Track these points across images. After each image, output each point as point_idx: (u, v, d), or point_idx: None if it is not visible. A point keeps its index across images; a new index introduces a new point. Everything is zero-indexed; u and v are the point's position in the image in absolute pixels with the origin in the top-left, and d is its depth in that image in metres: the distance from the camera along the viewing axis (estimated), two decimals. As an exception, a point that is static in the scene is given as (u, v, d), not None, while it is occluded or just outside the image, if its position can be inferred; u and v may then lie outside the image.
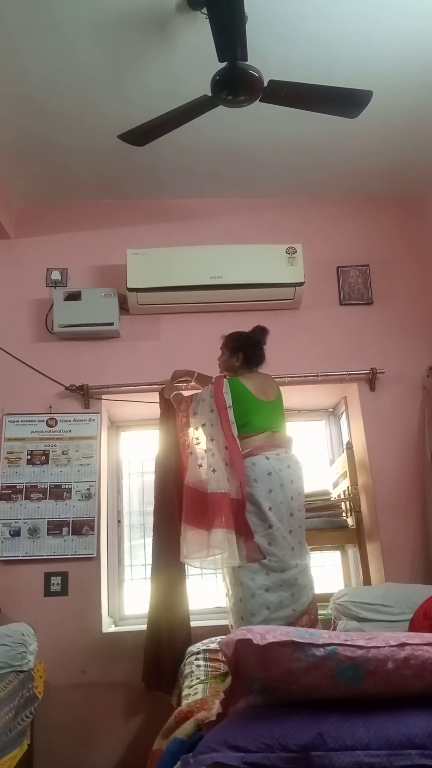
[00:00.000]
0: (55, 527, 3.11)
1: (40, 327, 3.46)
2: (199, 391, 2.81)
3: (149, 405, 3.31)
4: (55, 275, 3.54)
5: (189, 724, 1.69)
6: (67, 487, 3.18)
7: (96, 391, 3.32)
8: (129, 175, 3.46)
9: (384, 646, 1.10)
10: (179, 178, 3.51)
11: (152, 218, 3.67)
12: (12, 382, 3.35)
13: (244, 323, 2.90)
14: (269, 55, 2.55)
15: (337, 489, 3.49)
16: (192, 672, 2.36)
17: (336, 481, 3.55)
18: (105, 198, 3.67)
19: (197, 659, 2.49)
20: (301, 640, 1.11)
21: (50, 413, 3.30)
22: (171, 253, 3.36)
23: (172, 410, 2.90)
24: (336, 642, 1.11)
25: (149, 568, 2.96)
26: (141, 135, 2.59)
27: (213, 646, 2.55)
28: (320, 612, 2.65)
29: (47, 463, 3.22)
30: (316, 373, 3.32)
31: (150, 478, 3.56)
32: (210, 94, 2.33)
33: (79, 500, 3.16)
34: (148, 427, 3.65)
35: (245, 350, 2.77)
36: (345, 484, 3.36)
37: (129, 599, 3.38)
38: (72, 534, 3.10)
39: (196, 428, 2.65)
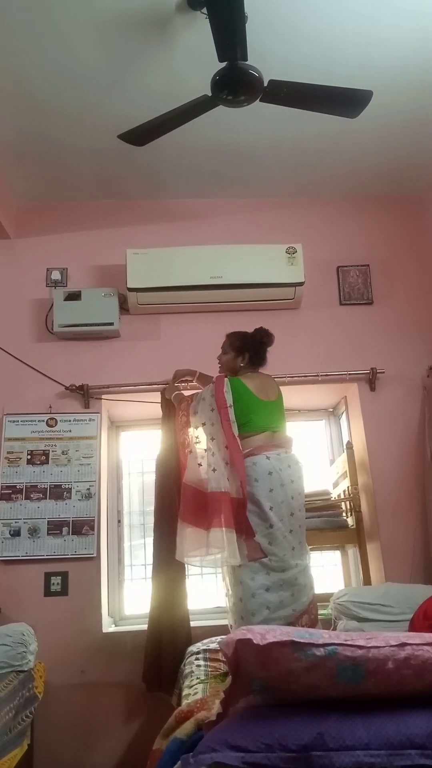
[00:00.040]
0: (55, 527, 3.11)
1: (40, 327, 3.46)
2: (200, 390, 2.81)
3: (149, 405, 3.31)
4: (55, 275, 3.54)
5: (189, 723, 1.69)
6: (67, 487, 3.18)
7: (96, 391, 3.33)
8: (129, 175, 3.46)
9: (384, 646, 1.10)
10: (179, 178, 3.51)
11: (152, 218, 3.67)
12: (12, 382, 3.35)
13: (244, 323, 2.90)
14: (269, 55, 2.55)
15: (337, 489, 3.49)
16: (192, 672, 2.36)
17: (336, 481, 3.55)
18: (105, 198, 3.67)
19: (197, 659, 2.49)
20: (301, 640, 1.11)
21: (50, 413, 3.30)
22: (171, 253, 3.36)
23: (174, 410, 2.90)
24: (336, 642, 1.11)
25: (149, 568, 2.96)
26: (141, 135, 2.59)
27: (213, 646, 2.55)
28: (320, 612, 2.65)
29: (47, 463, 3.22)
30: (316, 373, 3.32)
31: (150, 478, 3.56)
32: (210, 94, 2.33)
33: (79, 500, 3.16)
34: (148, 427, 3.65)
35: (251, 351, 2.77)
36: (345, 484, 3.36)
37: (129, 599, 3.38)
38: (72, 534, 3.10)
39: (197, 427, 2.65)
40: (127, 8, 2.39)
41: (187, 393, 2.92)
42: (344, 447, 3.43)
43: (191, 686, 2.19)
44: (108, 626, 3.11)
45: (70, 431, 3.27)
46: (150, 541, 3.26)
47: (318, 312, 3.53)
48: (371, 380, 3.38)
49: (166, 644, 2.75)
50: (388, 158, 3.38)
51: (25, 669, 2.54)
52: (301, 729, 1.06)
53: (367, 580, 3.11)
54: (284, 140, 3.21)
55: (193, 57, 2.58)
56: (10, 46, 2.53)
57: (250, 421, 2.58)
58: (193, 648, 2.63)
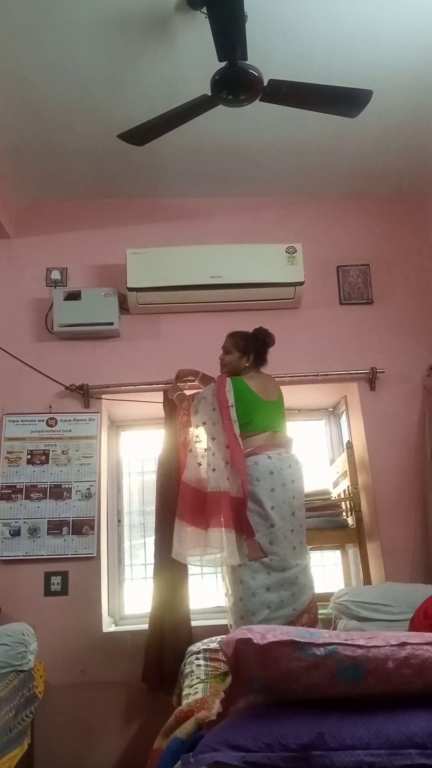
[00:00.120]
0: (55, 527, 3.11)
1: (40, 327, 3.46)
2: (201, 390, 2.81)
3: (149, 404, 3.31)
4: (55, 275, 3.54)
5: (189, 723, 1.69)
6: (67, 486, 3.18)
7: (96, 390, 3.32)
8: (129, 175, 3.46)
9: (384, 646, 1.10)
10: (179, 178, 3.50)
11: (152, 218, 3.67)
12: (12, 381, 3.35)
13: (244, 323, 2.90)
14: (269, 54, 2.55)
15: (338, 488, 3.49)
16: (192, 671, 2.37)
17: (336, 481, 3.55)
18: (105, 197, 3.66)
19: (197, 659, 2.49)
20: (302, 640, 1.11)
21: (50, 413, 3.30)
22: (171, 253, 3.36)
23: (176, 410, 2.90)
24: (336, 641, 1.11)
25: (149, 567, 2.96)
26: (141, 134, 2.59)
27: (213, 645, 2.55)
28: (320, 611, 2.65)
29: (47, 462, 3.22)
30: (316, 373, 3.32)
31: (150, 478, 3.57)
32: (210, 94, 2.32)
33: (79, 500, 3.16)
34: (148, 427, 3.65)
35: (256, 351, 2.78)
36: (345, 483, 3.36)
37: (129, 599, 3.38)
38: (72, 533, 3.10)
39: (197, 426, 2.65)
40: (126, 8, 2.39)
41: (188, 393, 2.92)
42: (344, 446, 3.43)
43: (191, 686, 2.19)
44: (108, 626, 3.10)
45: (70, 431, 3.27)
46: (150, 540, 3.26)
47: (318, 312, 3.53)
48: (371, 380, 3.38)
49: (167, 644, 2.75)
50: (388, 158, 3.38)
51: (25, 669, 2.54)
52: (301, 728, 1.06)
53: (367, 580, 3.11)
54: (284, 140, 3.21)
55: (192, 56, 2.58)
56: (10, 46, 2.53)
57: (252, 421, 2.58)
58: (193, 648, 2.63)
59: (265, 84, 2.28)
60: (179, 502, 2.51)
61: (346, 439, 3.58)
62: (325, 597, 2.87)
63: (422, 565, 3.10)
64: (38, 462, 3.21)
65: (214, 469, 2.48)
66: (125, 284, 3.29)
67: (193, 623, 2.88)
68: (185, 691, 2.18)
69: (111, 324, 3.35)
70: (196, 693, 2.09)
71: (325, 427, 3.84)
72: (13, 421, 3.27)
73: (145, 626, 2.86)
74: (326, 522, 3.18)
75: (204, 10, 2.23)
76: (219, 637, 2.45)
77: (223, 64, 2.21)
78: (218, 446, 2.52)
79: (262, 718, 1.13)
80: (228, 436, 2.48)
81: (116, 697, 2.92)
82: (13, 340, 3.41)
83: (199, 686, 2.16)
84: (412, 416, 3.35)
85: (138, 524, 3.56)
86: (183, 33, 2.50)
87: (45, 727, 2.77)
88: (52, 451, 3.24)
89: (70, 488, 3.18)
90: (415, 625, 2.32)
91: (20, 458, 3.21)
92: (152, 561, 2.94)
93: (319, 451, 3.78)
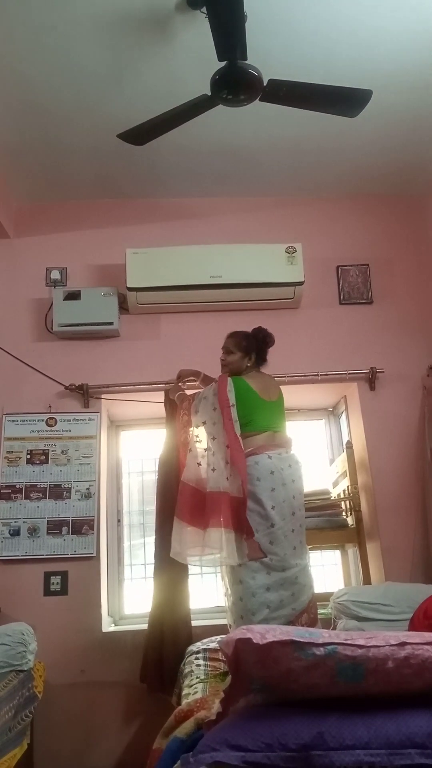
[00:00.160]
0: (55, 527, 3.11)
1: (40, 326, 3.46)
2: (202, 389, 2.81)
3: (149, 404, 3.31)
4: (55, 274, 3.54)
5: (189, 723, 1.69)
6: (66, 486, 3.18)
7: (95, 390, 3.32)
8: (128, 175, 3.46)
9: (384, 645, 1.10)
10: (179, 178, 3.50)
11: (152, 217, 3.67)
12: (11, 381, 3.35)
13: (244, 323, 2.90)
14: (269, 54, 2.55)
15: (337, 488, 3.49)
16: (192, 671, 2.37)
17: (336, 481, 3.55)
18: (104, 197, 3.66)
19: (197, 658, 2.49)
20: (301, 640, 1.11)
21: (50, 413, 3.30)
22: (170, 253, 3.36)
23: (177, 410, 2.90)
24: (336, 641, 1.11)
25: (149, 567, 2.96)
26: (140, 134, 2.59)
27: (213, 645, 2.55)
28: (320, 611, 2.65)
29: (47, 462, 3.22)
30: (315, 373, 3.32)
31: (150, 478, 3.57)
32: (209, 94, 2.32)
33: (78, 500, 3.16)
34: (148, 427, 3.65)
35: (257, 351, 2.78)
36: (345, 483, 3.36)
37: (129, 598, 3.38)
38: (72, 533, 3.10)
39: (197, 426, 2.65)
40: (126, 8, 2.39)
41: (189, 393, 2.92)
42: (344, 446, 3.43)
43: (191, 686, 2.19)
44: (108, 626, 3.11)
45: (70, 431, 3.27)
46: (149, 540, 3.26)
47: (318, 311, 3.53)
48: (371, 380, 3.38)
49: (167, 644, 2.75)
50: (388, 157, 3.38)
51: (25, 668, 2.54)
52: (301, 728, 1.06)
53: (366, 580, 3.11)
54: (283, 140, 3.21)
55: (192, 56, 2.58)
56: (10, 45, 2.53)
57: (253, 421, 2.58)
58: (193, 647, 2.63)
59: (265, 84, 2.28)
60: (178, 501, 2.51)
61: (345, 438, 3.58)
62: (325, 597, 2.87)
63: (422, 565, 3.10)
64: (38, 462, 3.21)
65: (213, 469, 2.48)
66: (125, 284, 3.29)
67: (193, 623, 2.87)
68: (185, 691, 2.18)
69: (111, 324, 3.35)
70: (195, 693, 2.09)
71: (324, 426, 3.84)
72: (13, 421, 3.27)
73: (145, 626, 2.86)
74: (326, 522, 3.18)
75: (204, 9, 2.22)
76: (218, 637, 2.45)
77: (223, 63, 2.21)
78: (218, 446, 2.52)
79: (261, 717, 1.13)
80: (228, 436, 2.48)
81: (116, 697, 2.92)
82: (12, 340, 3.41)
83: (198, 686, 2.16)
84: (412, 416, 3.35)
85: (137, 524, 3.56)
86: (183, 33, 2.50)
87: (45, 727, 2.77)
88: (52, 450, 3.24)
89: (70, 488, 3.18)
90: (414, 625, 2.32)
91: (20, 458, 3.21)
92: (152, 561, 2.93)
93: (318, 450, 3.78)
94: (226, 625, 2.53)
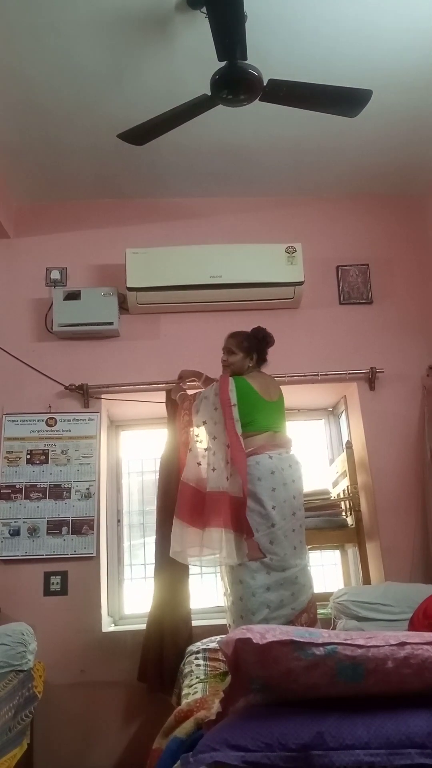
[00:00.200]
0: (55, 527, 3.11)
1: (40, 326, 3.46)
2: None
3: (149, 404, 3.31)
4: (55, 274, 3.54)
5: (189, 723, 1.70)
6: (66, 486, 3.18)
7: (95, 390, 3.32)
8: (128, 175, 3.46)
9: (384, 645, 1.10)
10: (179, 177, 3.50)
11: (152, 217, 3.67)
12: (11, 381, 3.35)
13: (244, 323, 2.90)
14: (269, 54, 2.55)
15: (337, 488, 3.49)
16: (192, 671, 2.37)
17: (336, 481, 3.55)
18: (104, 197, 3.66)
19: (197, 658, 2.49)
20: (301, 639, 1.11)
21: (50, 413, 3.29)
22: (170, 253, 3.36)
23: (178, 410, 2.90)
24: (336, 641, 1.11)
25: (149, 567, 2.96)
26: (141, 134, 2.59)
27: (212, 645, 2.55)
28: (320, 611, 2.65)
29: (47, 462, 3.22)
30: (315, 373, 3.32)
31: (149, 478, 3.57)
32: (209, 94, 2.32)
33: (78, 500, 3.16)
34: (148, 427, 3.65)
35: (259, 351, 2.78)
36: (345, 483, 3.36)
37: (128, 598, 3.38)
38: (71, 533, 3.10)
39: (198, 426, 2.66)
40: (126, 8, 2.39)
41: (191, 393, 2.92)
42: (344, 446, 3.43)
43: (191, 686, 2.19)
44: (107, 626, 3.11)
45: (70, 431, 3.27)
46: (149, 540, 3.26)
47: (317, 311, 3.53)
48: (371, 379, 3.38)
49: (168, 643, 2.75)
50: (388, 157, 3.38)
51: (25, 668, 2.54)
52: (301, 728, 1.06)
53: (366, 580, 3.11)
54: (283, 139, 3.21)
55: (192, 56, 2.58)
56: (10, 46, 2.53)
57: (254, 421, 2.58)
58: (193, 647, 2.63)
59: (265, 84, 2.28)
60: (178, 501, 2.52)
61: (345, 438, 3.59)
62: (325, 597, 2.87)
63: (422, 564, 3.10)
64: (38, 462, 3.21)
65: (213, 469, 2.48)
66: (125, 284, 3.29)
67: (193, 623, 2.88)
68: (185, 691, 2.18)
69: (111, 324, 3.35)
70: (195, 693, 2.09)
71: (324, 426, 3.84)
72: (13, 421, 3.27)
73: (145, 626, 2.86)
74: (326, 522, 3.18)
75: (204, 9, 2.22)
76: (218, 637, 2.45)
77: (223, 63, 2.21)
78: (219, 446, 2.52)
79: (261, 717, 1.13)
80: (230, 435, 2.48)
81: (116, 697, 2.92)
82: (12, 340, 3.41)
83: (198, 686, 2.16)
84: (412, 416, 3.35)
85: (137, 524, 3.57)
86: (183, 32, 2.50)
87: (44, 727, 2.77)
88: (52, 450, 3.24)
89: (70, 488, 3.18)
90: (414, 625, 2.32)
91: (20, 458, 3.21)
92: (152, 561, 2.94)
93: (318, 450, 3.78)
94: (225, 625, 2.53)
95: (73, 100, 2.86)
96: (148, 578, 3.29)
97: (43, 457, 3.22)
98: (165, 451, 3.01)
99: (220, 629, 2.70)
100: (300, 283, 3.34)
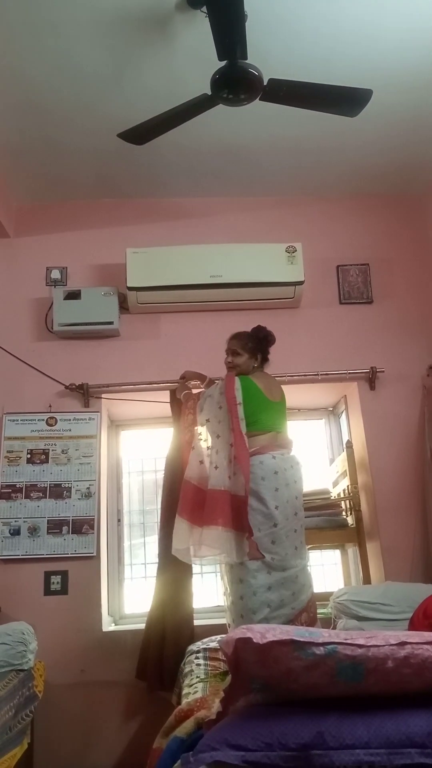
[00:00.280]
0: (55, 526, 3.11)
1: (40, 326, 3.46)
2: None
3: (149, 404, 3.31)
4: (55, 274, 3.54)
5: (189, 722, 1.70)
6: (67, 486, 3.18)
7: (96, 390, 3.32)
8: (129, 174, 3.46)
9: (384, 645, 1.10)
10: (179, 177, 3.50)
11: (152, 217, 3.67)
12: (12, 381, 3.35)
13: (244, 322, 2.90)
14: (269, 53, 2.55)
15: (337, 488, 3.49)
16: (192, 671, 2.37)
17: (336, 480, 3.55)
18: (104, 197, 3.66)
19: (197, 658, 2.49)
20: (301, 639, 1.11)
21: (50, 412, 3.30)
22: (171, 252, 3.36)
23: (183, 409, 2.90)
24: (336, 641, 1.11)
25: (149, 567, 2.95)
26: (141, 134, 2.59)
27: (213, 644, 2.56)
28: (320, 611, 2.65)
29: (47, 462, 3.22)
30: (316, 372, 3.32)
31: (150, 477, 3.58)
32: (210, 93, 2.32)
33: (79, 499, 3.16)
34: (148, 426, 3.65)
35: (262, 351, 2.78)
36: (345, 483, 3.36)
37: (129, 598, 3.38)
38: (72, 533, 3.10)
39: (202, 424, 2.66)
40: (126, 7, 2.39)
41: (196, 392, 2.91)
42: (344, 446, 3.43)
43: (191, 685, 2.19)
44: (108, 625, 3.11)
45: (70, 430, 3.27)
46: (150, 540, 3.26)
47: (318, 311, 3.53)
48: (371, 379, 3.38)
49: (169, 642, 2.75)
50: (388, 157, 3.38)
51: (25, 668, 2.54)
52: (301, 728, 1.06)
53: (366, 579, 3.11)
54: (284, 139, 3.20)
55: (192, 56, 2.58)
56: (10, 46, 2.53)
57: (258, 421, 2.58)
58: (193, 647, 2.64)
59: (265, 83, 2.28)
60: (180, 499, 2.52)
61: (345, 438, 3.58)
62: (325, 596, 2.87)
63: (422, 564, 3.10)
64: (38, 461, 3.21)
65: (216, 467, 2.48)
66: (125, 284, 3.29)
67: (194, 622, 2.88)
68: (185, 691, 2.18)
69: (111, 323, 3.35)
70: (195, 692, 2.09)
71: (324, 426, 3.84)
72: (13, 421, 3.27)
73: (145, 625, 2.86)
74: (326, 521, 3.18)
75: (204, 9, 2.23)
76: (219, 637, 2.46)
77: (223, 63, 2.21)
78: (222, 444, 2.52)
79: (261, 717, 1.13)
80: (235, 434, 2.48)
81: (116, 697, 2.92)
82: (13, 340, 3.41)
83: (198, 685, 2.16)
84: (412, 416, 3.35)
85: (138, 523, 3.57)
86: (183, 32, 2.50)
87: (45, 727, 2.77)
88: (52, 450, 3.24)
89: (70, 487, 3.18)
90: (414, 625, 2.32)
91: (20, 457, 3.21)
92: (152, 560, 2.94)
93: (318, 450, 3.78)
94: (225, 624, 2.53)
95: (73, 100, 2.86)
96: (149, 578, 3.30)
97: (43, 457, 3.22)
98: (170, 450, 3.01)
99: (220, 629, 2.70)
100: (300, 283, 3.34)
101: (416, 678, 1.09)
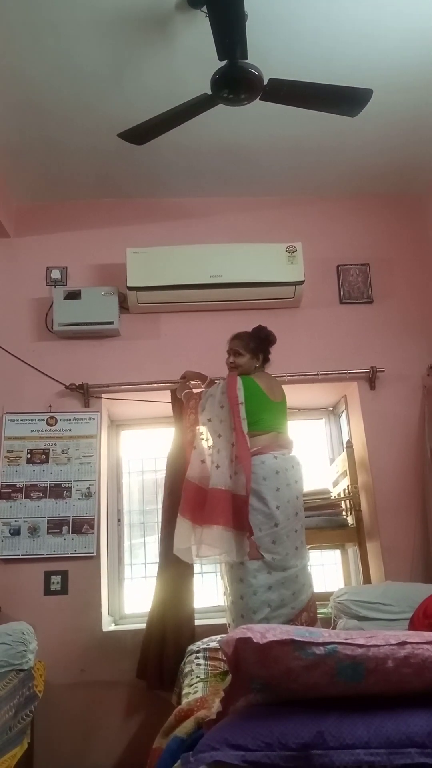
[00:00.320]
0: (55, 526, 3.11)
1: (40, 326, 3.46)
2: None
3: (149, 404, 3.31)
4: (55, 274, 3.54)
5: (189, 722, 1.70)
6: (67, 485, 3.18)
7: (96, 389, 3.32)
8: (129, 174, 3.46)
9: (384, 645, 1.10)
10: (179, 177, 3.50)
11: (152, 217, 3.67)
12: (12, 380, 3.35)
13: (244, 322, 2.90)
14: (269, 53, 2.55)
15: (337, 488, 3.49)
16: (192, 671, 2.37)
17: (336, 480, 3.55)
18: (105, 197, 3.66)
19: (197, 658, 2.49)
20: (301, 639, 1.11)
21: (50, 412, 3.30)
22: (171, 252, 3.36)
23: (184, 408, 2.90)
24: (336, 640, 1.11)
25: (149, 566, 2.95)
26: (141, 133, 2.59)
27: (213, 644, 2.56)
28: (320, 611, 2.66)
29: (47, 461, 3.22)
30: (316, 372, 3.32)
31: (150, 477, 3.58)
32: (210, 93, 2.32)
33: (79, 499, 3.16)
34: (148, 426, 3.65)
35: (264, 351, 2.78)
36: (345, 482, 3.36)
37: (129, 598, 3.38)
38: (72, 533, 3.10)
39: (204, 424, 2.66)
40: (126, 8, 2.39)
41: (197, 391, 2.91)
42: (344, 446, 3.43)
43: (191, 685, 2.19)
44: (108, 625, 3.11)
45: (70, 430, 3.27)
46: (150, 540, 3.26)
47: (318, 311, 3.53)
48: (371, 379, 3.38)
49: (170, 642, 2.75)
50: (389, 157, 3.38)
51: (25, 668, 2.54)
52: (301, 727, 1.06)
53: (366, 579, 3.11)
54: (284, 139, 3.20)
55: (193, 55, 2.58)
56: (10, 46, 2.53)
57: (260, 421, 2.58)
58: (193, 647, 2.64)
59: (266, 83, 2.28)
60: (182, 499, 2.53)
61: (345, 438, 3.58)
62: (325, 596, 2.87)
63: (422, 564, 3.10)
64: (38, 461, 3.21)
65: (217, 466, 2.48)
66: (125, 283, 3.29)
67: (195, 622, 2.88)
68: (185, 690, 2.18)
69: (111, 323, 3.34)
70: (195, 692, 2.09)
71: (324, 426, 3.84)
72: (13, 420, 3.27)
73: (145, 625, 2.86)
74: (326, 521, 3.18)
75: (204, 9, 2.23)
76: (219, 636, 2.46)
77: (224, 63, 2.21)
78: (223, 443, 2.53)
79: (261, 717, 1.13)
80: (237, 434, 2.48)
81: (116, 697, 2.92)
82: (13, 340, 3.41)
83: (198, 685, 2.16)
84: (412, 416, 3.35)
85: (138, 523, 3.57)
86: (183, 32, 2.50)
87: (45, 726, 2.77)
88: (52, 450, 3.24)
89: (70, 487, 3.18)
90: (414, 625, 2.32)
91: (20, 457, 3.21)
92: (152, 560, 2.94)
93: (318, 450, 3.78)
94: (225, 624, 2.53)
95: (73, 100, 2.86)
96: (149, 578, 3.29)
97: (43, 457, 3.22)
98: (171, 449, 3.01)
99: (220, 628, 2.71)
100: (300, 283, 3.34)
101: (416, 678, 1.09)
